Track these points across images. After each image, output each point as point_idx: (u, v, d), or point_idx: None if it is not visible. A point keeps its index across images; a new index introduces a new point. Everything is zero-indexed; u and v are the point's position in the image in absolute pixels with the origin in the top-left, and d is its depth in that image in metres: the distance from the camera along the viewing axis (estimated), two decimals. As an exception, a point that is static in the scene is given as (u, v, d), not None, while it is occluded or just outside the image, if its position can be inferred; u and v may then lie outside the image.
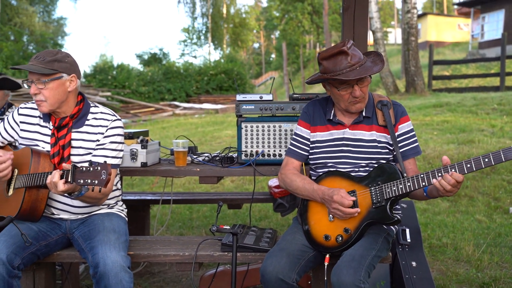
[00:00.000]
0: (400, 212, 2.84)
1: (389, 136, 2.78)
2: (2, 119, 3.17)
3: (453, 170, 2.43)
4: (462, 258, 4.61)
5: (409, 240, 3.77)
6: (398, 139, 2.77)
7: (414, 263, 3.65)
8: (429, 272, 3.60)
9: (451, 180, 2.40)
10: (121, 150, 3.08)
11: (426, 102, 13.12)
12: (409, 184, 2.55)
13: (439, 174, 2.46)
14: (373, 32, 18.29)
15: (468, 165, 2.42)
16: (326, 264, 2.64)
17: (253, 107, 3.53)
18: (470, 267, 4.41)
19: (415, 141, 2.83)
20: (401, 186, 2.57)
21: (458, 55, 28.73)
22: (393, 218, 2.62)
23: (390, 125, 2.77)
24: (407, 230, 3.79)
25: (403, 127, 2.81)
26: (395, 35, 49.20)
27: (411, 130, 2.83)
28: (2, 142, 3.11)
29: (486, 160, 2.38)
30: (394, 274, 3.79)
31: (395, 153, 2.75)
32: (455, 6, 43.08)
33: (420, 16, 34.26)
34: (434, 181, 2.46)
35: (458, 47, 32.72)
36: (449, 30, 38.13)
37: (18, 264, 2.74)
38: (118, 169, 3.11)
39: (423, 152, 8.31)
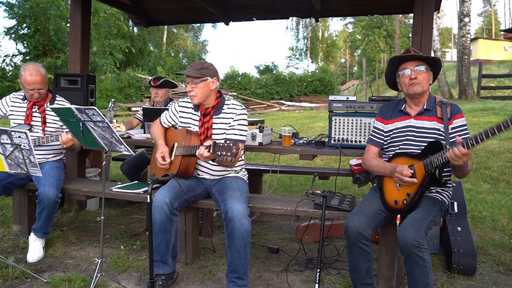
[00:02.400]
0: (450, 178, 2.72)
1: (443, 125, 2.64)
2: (167, 109, 3.36)
3: (459, 145, 2.33)
4: (498, 228, 4.31)
5: (456, 211, 3.57)
6: (451, 131, 2.62)
7: (459, 228, 3.46)
8: (470, 235, 3.39)
9: (456, 151, 2.31)
10: (246, 130, 3.12)
11: (474, 107, 12.25)
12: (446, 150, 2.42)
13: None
14: (434, 52, 17.27)
15: (470, 141, 2.31)
16: (397, 222, 2.55)
17: (341, 105, 3.48)
18: (504, 235, 4.10)
19: (467, 134, 2.63)
20: (444, 155, 2.43)
21: (503, 70, 26.52)
22: (441, 180, 2.50)
23: (446, 119, 2.63)
24: (455, 203, 3.60)
25: (457, 122, 2.64)
26: (451, 54, 45.96)
27: (464, 125, 2.66)
28: (168, 125, 3.30)
29: (480, 136, 2.27)
30: (443, 235, 3.61)
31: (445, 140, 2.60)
32: (502, 32, 39.76)
33: (472, 40, 31.72)
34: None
35: (503, 64, 30.15)
36: (496, 51, 35.05)
37: (176, 206, 2.89)
38: (243, 144, 3.16)
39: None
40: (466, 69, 15.85)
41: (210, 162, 3.02)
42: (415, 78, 2.66)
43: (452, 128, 2.63)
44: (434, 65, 2.74)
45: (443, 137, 2.64)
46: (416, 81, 2.66)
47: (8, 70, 21.55)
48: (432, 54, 18.09)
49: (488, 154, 7.06)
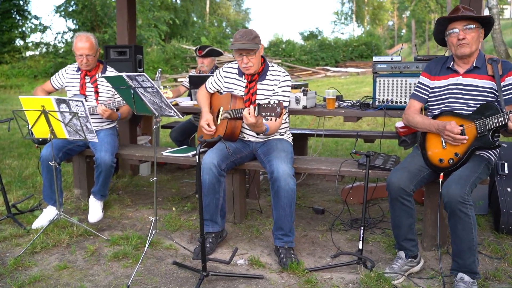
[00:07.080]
0: (499, 138, 2.62)
1: (495, 83, 2.57)
2: (212, 75, 3.46)
3: None
4: (555, 189, 4.17)
5: (506, 172, 3.50)
6: (504, 88, 2.55)
7: (509, 189, 3.40)
8: (522, 196, 3.34)
9: None
10: (289, 96, 3.18)
11: (534, 66, 11.59)
12: (507, 117, 2.35)
13: None
14: (489, 9, 16.25)
15: None
16: (440, 180, 2.55)
17: (385, 66, 3.45)
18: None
19: None
20: (500, 119, 2.39)
21: None
22: (494, 143, 2.47)
23: (497, 76, 2.55)
24: (506, 164, 3.52)
25: (509, 79, 2.55)
26: (510, 11, 43.05)
27: None
28: (213, 90, 3.41)
29: None
30: (491, 196, 3.57)
31: (499, 98, 2.54)
32: None
33: (534, -6, 29.57)
34: None
35: None
36: (562, 4, 32.44)
37: (223, 168, 3.02)
38: (287, 108, 3.24)
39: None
40: (526, 26, 14.89)
41: (257, 135, 3.12)
42: (463, 39, 2.58)
43: (504, 86, 2.56)
44: (486, 22, 2.65)
45: (494, 95, 2.58)
46: (464, 41, 2.58)
47: (60, 47, 22.48)
48: (487, 12, 17.06)
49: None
